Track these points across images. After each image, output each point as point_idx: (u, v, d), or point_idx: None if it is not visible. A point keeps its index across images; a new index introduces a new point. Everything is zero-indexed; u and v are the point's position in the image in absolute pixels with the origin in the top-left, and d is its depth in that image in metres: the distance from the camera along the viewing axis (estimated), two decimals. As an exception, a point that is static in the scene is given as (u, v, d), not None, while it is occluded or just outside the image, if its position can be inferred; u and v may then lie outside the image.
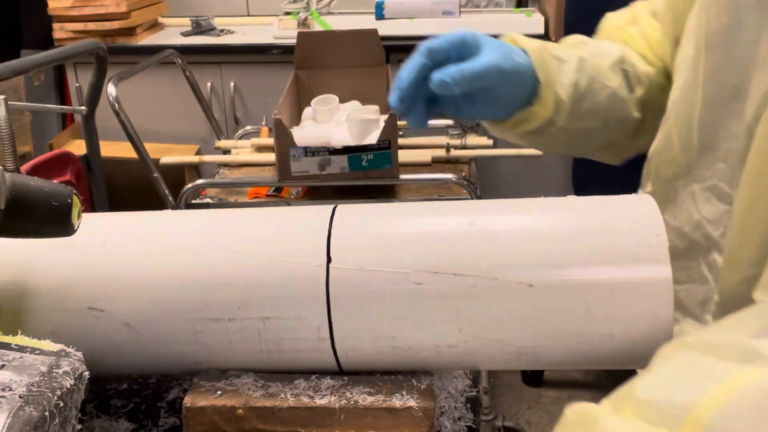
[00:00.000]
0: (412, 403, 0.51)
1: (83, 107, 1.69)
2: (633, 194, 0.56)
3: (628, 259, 0.50)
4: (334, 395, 0.52)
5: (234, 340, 0.53)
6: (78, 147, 1.86)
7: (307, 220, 0.55)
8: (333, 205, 0.56)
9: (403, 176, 1.67)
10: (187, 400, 0.52)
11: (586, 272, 0.50)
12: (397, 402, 0.51)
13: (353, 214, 0.55)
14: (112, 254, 0.54)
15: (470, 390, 0.58)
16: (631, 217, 0.52)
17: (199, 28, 2.51)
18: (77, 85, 2.40)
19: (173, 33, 2.55)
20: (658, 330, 0.50)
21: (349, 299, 0.52)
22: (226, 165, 1.83)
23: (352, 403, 0.51)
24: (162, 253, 0.54)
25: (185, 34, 2.50)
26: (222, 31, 2.48)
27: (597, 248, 0.51)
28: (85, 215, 0.61)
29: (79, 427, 0.46)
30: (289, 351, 0.54)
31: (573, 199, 0.56)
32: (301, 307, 0.52)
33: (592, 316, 0.50)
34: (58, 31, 2.47)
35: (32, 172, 1.44)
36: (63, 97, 2.66)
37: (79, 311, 0.54)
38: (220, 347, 0.54)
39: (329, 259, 0.52)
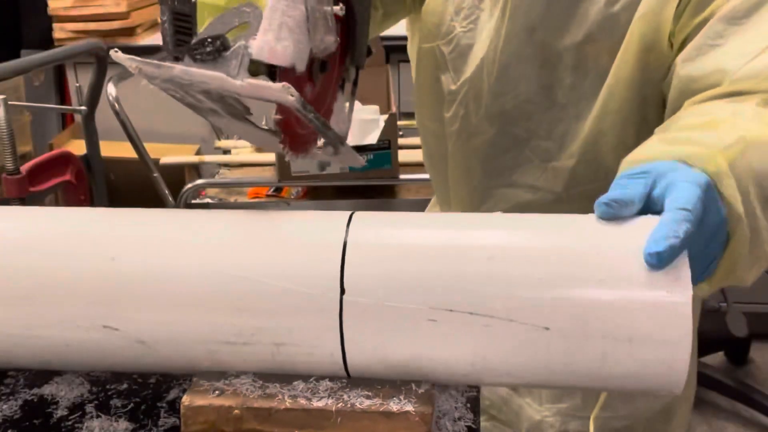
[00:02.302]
0: (409, 407, 0.51)
1: (83, 107, 1.69)
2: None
3: (647, 307, 0.49)
4: (332, 398, 0.52)
5: (249, 361, 0.54)
6: (78, 147, 1.86)
7: (320, 242, 0.54)
8: (346, 221, 0.54)
9: (402, 176, 1.67)
10: (186, 400, 0.52)
11: (603, 319, 0.49)
12: (394, 406, 0.51)
13: (368, 239, 0.53)
14: (123, 272, 0.54)
15: (470, 390, 0.58)
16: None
17: (199, 28, 2.50)
18: (77, 85, 2.40)
19: (173, 33, 2.54)
20: (674, 373, 0.49)
21: (362, 331, 0.51)
22: (226, 165, 1.83)
23: (349, 406, 0.51)
24: (174, 273, 0.53)
25: (185, 34, 2.50)
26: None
27: (616, 290, 0.49)
28: (85, 216, 0.60)
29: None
30: (302, 370, 0.54)
31: (589, 224, 0.53)
32: (314, 336, 0.52)
33: (608, 361, 0.50)
34: (58, 31, 2.47)
35: (32, 171, 1.44)
36: (63, 97, 2.66)
37: (93, 329, 0.54)
38: (235, 366, 0.54)
39: (343, 291, 0.51)
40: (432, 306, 0.50)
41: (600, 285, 0.49)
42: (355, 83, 0.65)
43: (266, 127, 0.57)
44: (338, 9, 0.57)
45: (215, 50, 0.53)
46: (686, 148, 0.59)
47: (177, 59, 0.54)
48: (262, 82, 0.52)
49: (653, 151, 0.60)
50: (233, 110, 0.56)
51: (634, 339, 0.49)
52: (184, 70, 0.52)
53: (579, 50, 0.79)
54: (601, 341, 0.49)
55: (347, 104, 0.64)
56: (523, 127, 0.85)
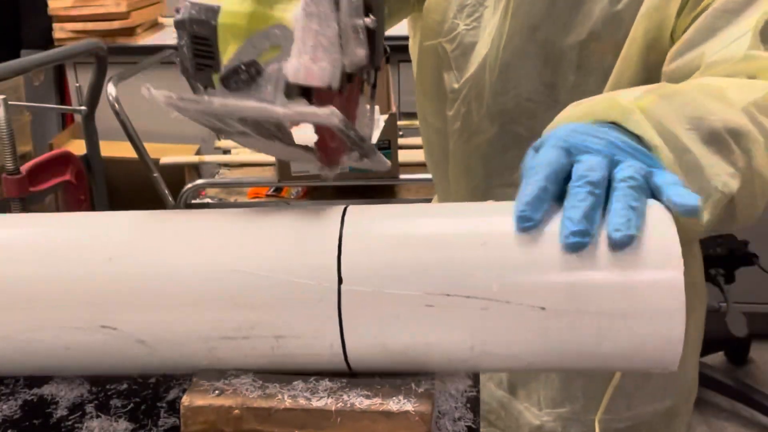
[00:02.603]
0: (409, 407, 0.51)
1: (83, 107, 1.69)
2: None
3: (640, 283, 0.49)
4: (331, 397, 0.52)
5: (249, 355, 0.54)
6: (78, 147, 1.86)
7: (315, 234, 0.54)
8: (341, 214, 0.54)
9: (402, 176, 1.67)
10: (185, 400, 0.52)
11: (597, 296, 0.50)
12: (393, 406, 0.51)
13: (363, 229, 0.54)
14: (120, 272, 0.54)
15: (471, 390, 0.58)
16: (643, 233, 0.50)
17: (199, 28, 2.50)
18: (77, 85, 2.40)
19: (173, 33, 2.55)
20: (669, 347, 0.50)
21: (361, 320, 0.52)
22: (226, 165, 1.83)
23: (348, 405, 0.51)
24: (171, 270, 0.53)
25: (185, 34, 2.50)
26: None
27: (608, 268, 0.50)
28: (86, 219, 0.61)
29: None
30: (302, 363, 0.54)
31: None
32: (313, 327, 0.52)
33: (603, 337, 0.50)
34: (58, 31, 2.47)
35: (32, 171, 1.44)
36: (63, 97, 2.66)
37: (91, 330, 0.54)
38: (235, 362, 0.54)
39: (340, 280, 0.51)
40: (429, 291, 0.51)
41: (593, 264, 0.50)
42: (374, 86, 0.65)
43: (300, 144, 0.57)
44: (369, 21, 0.57)
45: (250, 77, 0.53)
46: (585, 106, 0.59)
47: (205, 88, 0.54)
48: (308, 108, 0.52)
49: (559, 118, 0.61)
50: (265, 131, 0.56)
51: (629, 315, 0.49)
52: (224, 103, 0.52)
53: (582, 49, 0.79)
54: (596, 319, 0.50)
55: (368, 107, 0.64)
56: (524, 126, 0.85)
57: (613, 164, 0.52)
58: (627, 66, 0.77)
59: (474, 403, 0.57)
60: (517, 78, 0.83)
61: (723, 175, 0.58)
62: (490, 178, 0.90)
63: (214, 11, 0.55)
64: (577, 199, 0.49)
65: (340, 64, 0.53)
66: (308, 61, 0.52)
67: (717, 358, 2.44)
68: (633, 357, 0.51)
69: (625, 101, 0.58)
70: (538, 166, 0.52)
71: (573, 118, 0.59)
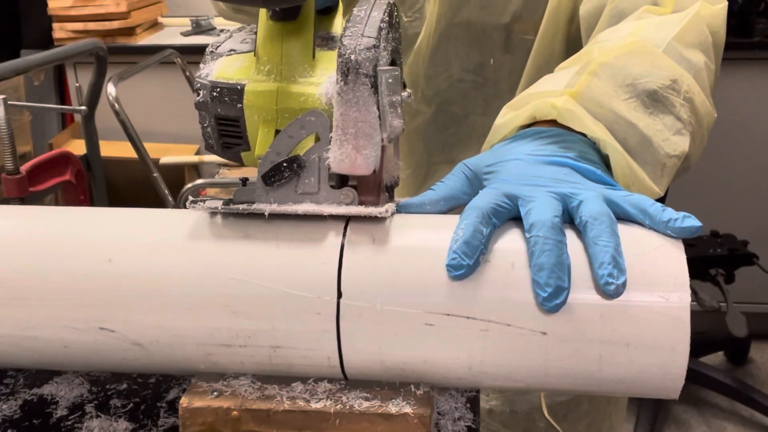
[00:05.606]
0: (408, 409, 0.51)
1: (83, 107, 1.69)
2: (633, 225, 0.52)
3: (645, 312, 0.49)
4: (330, 399, 0.52)
5: (245, 363, 0.54)
6: (78, 147, 1.86)
7: (317, 246, 0.53)
8: (343, 225, 0.54)
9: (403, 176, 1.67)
10: (184, 401, 0.52)
11: (600, 323, 0.49)
12: (392, 408, 0.51)
13: (365, 243, 0.53)
14: (119, 274, 0.53)
15: (470, 390, 0.58)
16: (650, 260, 0.50)
17: (199, 28, 2.51)
18: (77, 85, 2.40)
19: (173, 33, 2.55)
20: (671, 378, 0.49)
21: (359, 335, 0.51)
22: (226, 165, 1.83)
23: (347, 407, 0.51)
24: (171, 276, 0.53)
25: (185, 34, 2.50)
26: (222, 31, 2.48)
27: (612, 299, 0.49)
28: (82, 216, 0.60)
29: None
30: (299, 372, 0.54)
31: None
32: (311, 339, 0.52)
33: (606, 366, 0.50)
34: (58, 31, 2.47)
35: (32, 171, 1.44)
36: (63, 97, 2.66)
37: (89, 331, 0.54)
38: (231, 368, 0.54)
39: (340, 294, 0.51)
40: (429, 310, 0.50)
41: (596, 289, 0.49)
42: None
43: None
44: (406, 95, 0.56)
45: (292, 173, 0.53)
46: (523, 111, 0.61)
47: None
48: (365, 210, 0.52)
49: (501, 124, 0.63)
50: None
51: (632, 344, 0.49)
52: (276, 210, 0.53)
53: (507, 28, 0.83)
54: (598, 346, 0.49)
55: (392, 151, 0.62)
56: (458, 105, 0.89)
57: (563, 198, 0.52)
58: (549, 41, 0.80)
59: (474, 403, 0.57)
60: (447, 61, 0.87)
61: (671, 137, 0.59)
62: (431, 156, 0.94)
63: (238, 92, 0.54)
64: (539, 258, 0.48)
65: (380, 144, 0.52)
66: (351, 150, 0.51)
67: (717, 358, 2.45)
68: (634, 384, 0.50)
69: (560, 101, 0.59)
70: (471, 208, 0.51)
71: (513, 126, 0.61)
